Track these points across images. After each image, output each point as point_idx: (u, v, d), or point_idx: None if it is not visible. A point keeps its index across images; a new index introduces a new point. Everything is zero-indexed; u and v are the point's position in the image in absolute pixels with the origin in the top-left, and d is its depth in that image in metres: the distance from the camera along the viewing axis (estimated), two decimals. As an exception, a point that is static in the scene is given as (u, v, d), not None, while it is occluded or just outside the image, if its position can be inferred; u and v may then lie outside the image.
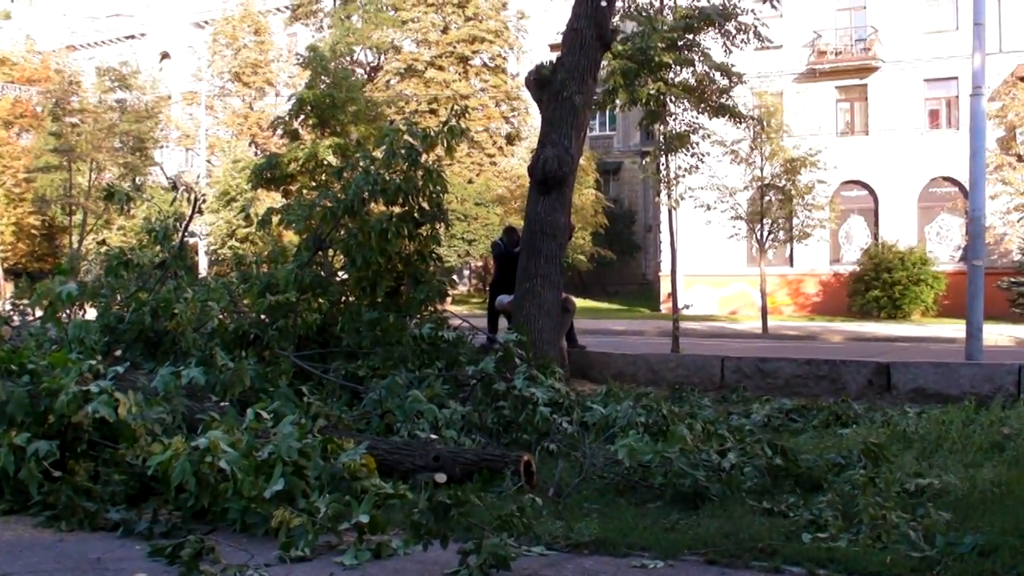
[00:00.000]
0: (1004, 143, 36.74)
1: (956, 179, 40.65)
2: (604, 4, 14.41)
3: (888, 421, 9.84)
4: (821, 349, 23.77)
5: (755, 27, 20.53)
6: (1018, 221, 34.67)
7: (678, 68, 20.82)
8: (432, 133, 11.42)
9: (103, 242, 50.31)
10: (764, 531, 5.87)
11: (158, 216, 12.63)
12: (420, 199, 11.58)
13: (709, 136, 23.12)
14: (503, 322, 15.94)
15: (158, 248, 11.72)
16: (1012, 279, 37.79)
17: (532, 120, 57.02)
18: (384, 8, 58.31)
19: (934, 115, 44.63)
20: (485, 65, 56.66)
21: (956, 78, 41.92)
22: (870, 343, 27.82)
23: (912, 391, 12.49)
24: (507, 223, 21.65)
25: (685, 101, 21.33)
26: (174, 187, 12.12)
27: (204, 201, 12.61)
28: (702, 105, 21.41)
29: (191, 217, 12.44)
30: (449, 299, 15.23)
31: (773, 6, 19.90)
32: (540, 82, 14.36)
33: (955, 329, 26.65)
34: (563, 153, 13.67)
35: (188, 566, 5.29)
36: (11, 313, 11.96)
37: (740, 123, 23.59)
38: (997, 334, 28.09)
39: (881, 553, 5.41)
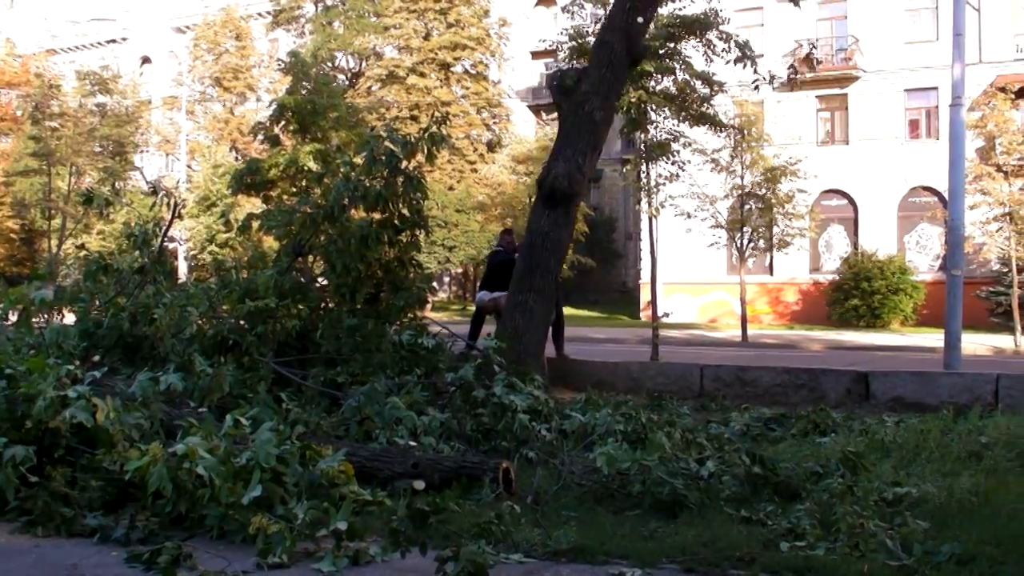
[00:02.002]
0: (983, 153, 36.87)
1: (936, 189, 40.94)
2: (640, 20, 14.03)
3: (866, 430, 9.85)
4: (800, 358, 23.82)
5: (735, 37, 20.57)
6: (997, 231, 34.77)
7: (659, 76, 20.87)
8: (413, 140, 11.35)
9: (82, 246, 50.11)
10: (742, 540, 5.86)
11: (138, 221, 12.58)
12: (400, 206, 11.50)
13: (690, 144, 23.26)
14: (490, 327, 15.91)
15: (137, 253, 11.66)
16: (991, 289, 37.99)
17: (513, 128, 57.17)
18: (366, 14, 58.37)
19: (914, 125, 44.91)
20: (467, 72, 56.83)
21: (936, 88, 42.18)
22: (849, 352, 27.92)
23: (891, 400, 12.53)
24: (502, 228, 21.50)
25: (666, 109, 21.44)
26: (154, 192, 12.04)
27: (184, 206, 12.58)
28: (683, 113, 21.50)
29: (171, 222, 12.39)
30: (429, 306, 15.21)
31: (796, 3, 19.59)
32: (562, 89, 13.95)
33: (934, 338, 26.75)
34: (575, 171, 13.33)
35: (165, 572, 5.27)
36: (-12, 318, 11.90)
37: (721, 132, 23.73)
38: (976, 344, 28.22)
39: (859, 562, 5.42)
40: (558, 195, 13.35)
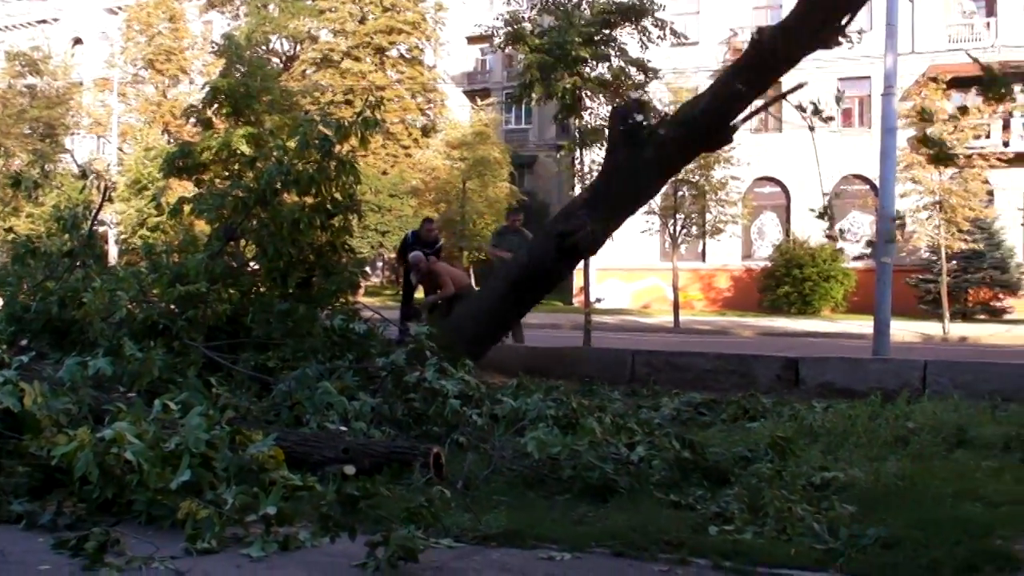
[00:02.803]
0: (915, 143, 37.25)
1: (867, 177, 41.23)
2: (740, 120, 11.98)
3: (796, 415, 9.96)
4: (732, 344, 23.98)
5: (671, 24, 20.67)
6: (927, 219, 35.15)
7: (594, 63, 20.91)
8: (346, 124, 11.30)
9: (10, 230, 49.69)
10: (671, 524, 5.89)
11: (67, 204, 12.49)
12: (333, 190, 11.45)
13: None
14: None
15: (67, 236, 11.58)
16: (920, 276, 38.47)
17: (448, 113, 57.08)
18: (301, -3, 58.05)
19: (847, 114, 45.21)
20: (402, 56, 56.65)
21: (869, 78, 42.51)
22: (780, 338, 28.14)
23: (820, 386, 12.65)
24: (426, 217, 21.23)
25: (601, 95, 21.44)
26: (84, 175, 11.99)
27: (114, 189, 12.48)
28: (617, 100, 21.51)
29: (101, 205, 12.31)
30: (361, 291, 15.15)
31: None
32: (625, 130, 11.91)
33: (864, 325, 27.01)
34: (599, 235, 12.09)
35: (93, 558, 5.22)
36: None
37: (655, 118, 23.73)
38: (905, 330, 28.55)
39: (786, 545, 5.47)
40: (576, 253, 12.40)
